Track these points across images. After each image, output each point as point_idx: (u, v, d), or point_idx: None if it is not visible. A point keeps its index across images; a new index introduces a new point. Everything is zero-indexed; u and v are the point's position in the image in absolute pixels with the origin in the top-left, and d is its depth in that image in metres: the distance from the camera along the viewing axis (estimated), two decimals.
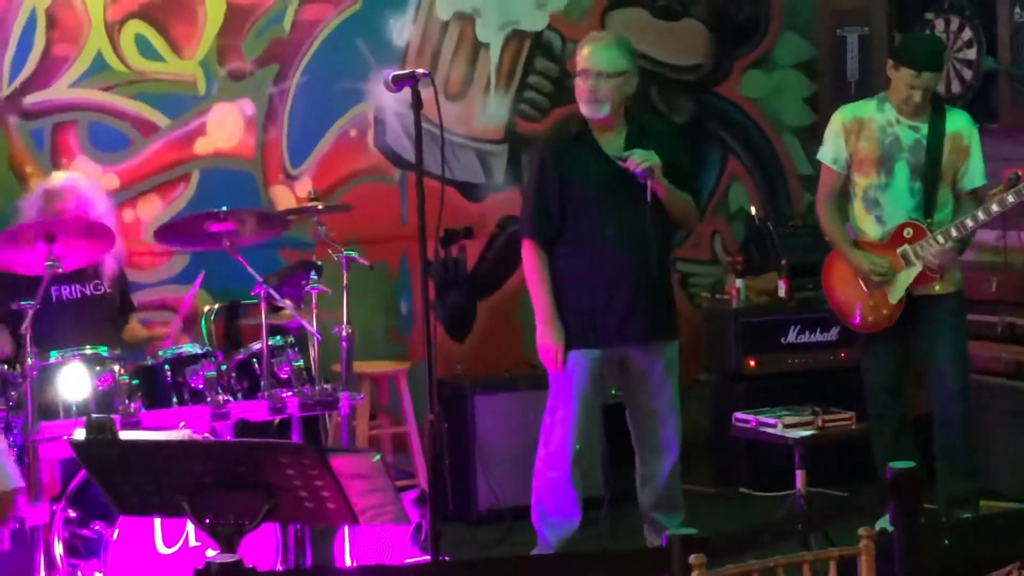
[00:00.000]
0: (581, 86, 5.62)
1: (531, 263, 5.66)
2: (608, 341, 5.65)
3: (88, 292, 6.10)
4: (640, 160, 5.52)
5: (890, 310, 6.02)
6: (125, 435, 5.10)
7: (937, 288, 5.97)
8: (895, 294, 5.99)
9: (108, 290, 6.14)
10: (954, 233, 5.90)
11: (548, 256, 5.67)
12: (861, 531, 3.31)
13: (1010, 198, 5.79)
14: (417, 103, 4.37)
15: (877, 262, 6.01)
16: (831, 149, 6.09)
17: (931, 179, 5.94)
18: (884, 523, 3.88)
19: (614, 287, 5.62)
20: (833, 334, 7.12)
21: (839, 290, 6.11)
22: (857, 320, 6.07)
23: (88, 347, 5.56)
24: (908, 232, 5.97)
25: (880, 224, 6.02)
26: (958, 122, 5.99)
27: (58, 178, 6.22)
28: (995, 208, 5.82)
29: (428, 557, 5.40)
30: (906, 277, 5.98)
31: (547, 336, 5.63)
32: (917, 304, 5.99)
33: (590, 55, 5.62)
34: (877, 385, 6.13)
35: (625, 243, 5.62)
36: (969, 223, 5.87)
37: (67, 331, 5.80)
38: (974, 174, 5.99)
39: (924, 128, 5.97)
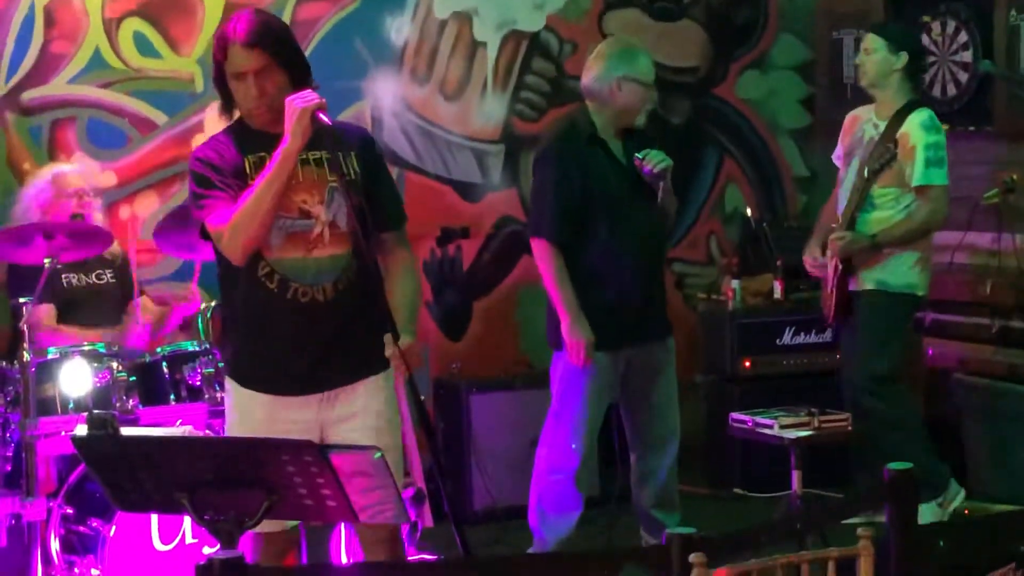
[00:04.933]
0: (644, 95, 5.67)
1: (549, 262, 5.59)
2: (622, 342, 5.64)
3: (94, 281, 6.11)
4: (658, 161, 5.56)
5: (827, 303, 6.25)
6: (126, 431, 5.13)
7: (857, 286, 6.15)
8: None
9: (112, 280, 6.14)
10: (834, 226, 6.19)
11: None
12: (860, 531, 3.31)
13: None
14: None
15: (815, 253, 6.27)
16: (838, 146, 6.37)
17: (867, 177, 6.04)
18: (870, 517, 3.90)
19: (629, 287, 5.62)
20: (828, 335, 7.13)
21: None
22: None
23: (87, 344, 5.59)
24: (834, 225, 6.21)
25: None
26: (910, 123, 6.07)
27: (65, 166, 6.26)
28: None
29: (431, 555, 5.44)
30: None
31: (576, 331, 5.55)
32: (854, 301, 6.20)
33: (651, 65, 5.73)
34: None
35: (639, 243, 5.63)
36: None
37: (80, 314, 5.95)
38: (915, 173, 6.04)
39: (883, 126, 6.11)
